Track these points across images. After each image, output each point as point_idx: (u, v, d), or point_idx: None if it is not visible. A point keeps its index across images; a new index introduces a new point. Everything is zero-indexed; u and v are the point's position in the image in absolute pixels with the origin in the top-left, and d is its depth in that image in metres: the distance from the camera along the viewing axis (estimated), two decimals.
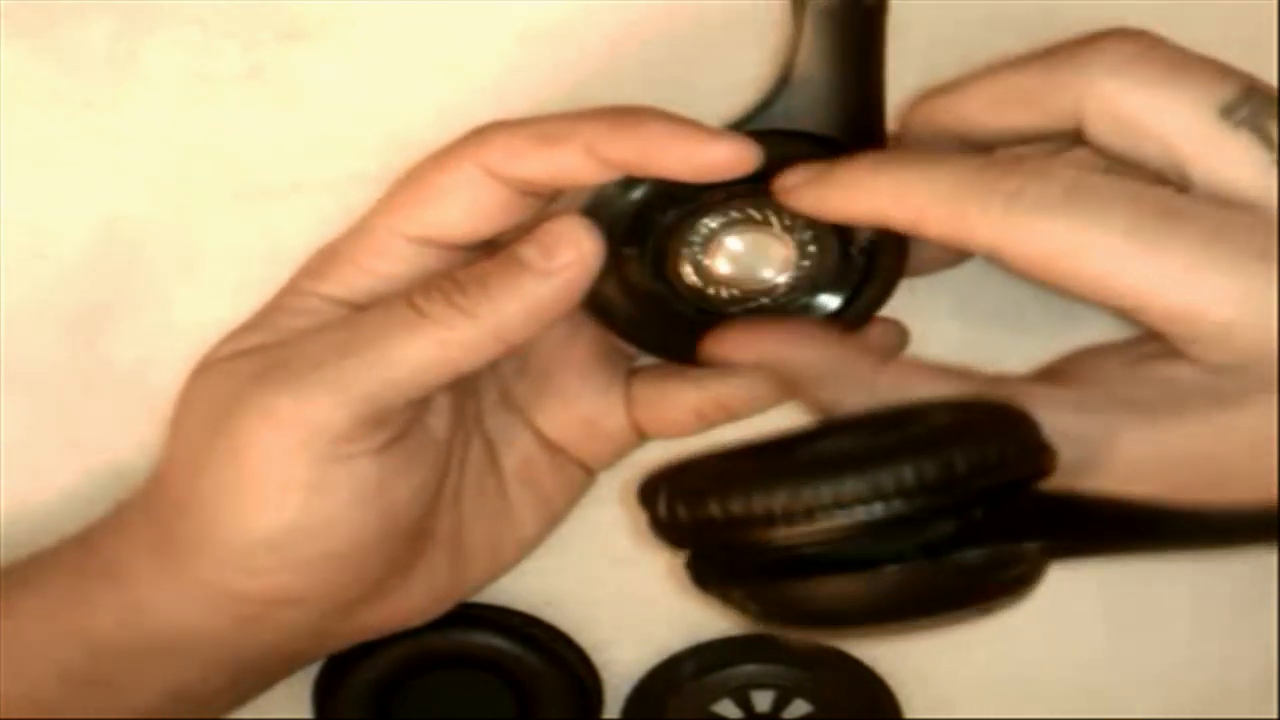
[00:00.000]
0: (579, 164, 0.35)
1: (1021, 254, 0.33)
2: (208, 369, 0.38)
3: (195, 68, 0.38)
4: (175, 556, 0.37)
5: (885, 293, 0.38)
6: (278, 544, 0.36)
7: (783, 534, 0.31)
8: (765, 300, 0.39)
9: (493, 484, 0.41)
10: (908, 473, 0.30)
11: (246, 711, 0.42)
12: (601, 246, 0.36)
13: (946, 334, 0.41)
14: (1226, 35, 0.34)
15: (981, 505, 0.32)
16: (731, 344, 0.38)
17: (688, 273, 0.38)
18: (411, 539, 0.39)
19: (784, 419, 0.38)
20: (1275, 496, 0.33)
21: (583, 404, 0.41)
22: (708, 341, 0.38)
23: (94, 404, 0.42)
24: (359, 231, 0.38)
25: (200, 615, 0.38)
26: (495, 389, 0.41)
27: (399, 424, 0.36)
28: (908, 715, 0.48)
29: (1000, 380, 0.36)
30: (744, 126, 0.36)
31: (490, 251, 0.37)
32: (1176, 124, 0.33)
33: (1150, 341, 0.34)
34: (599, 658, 0.47)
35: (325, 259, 0.38)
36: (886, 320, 0.39)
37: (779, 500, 0.31)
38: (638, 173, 0.35)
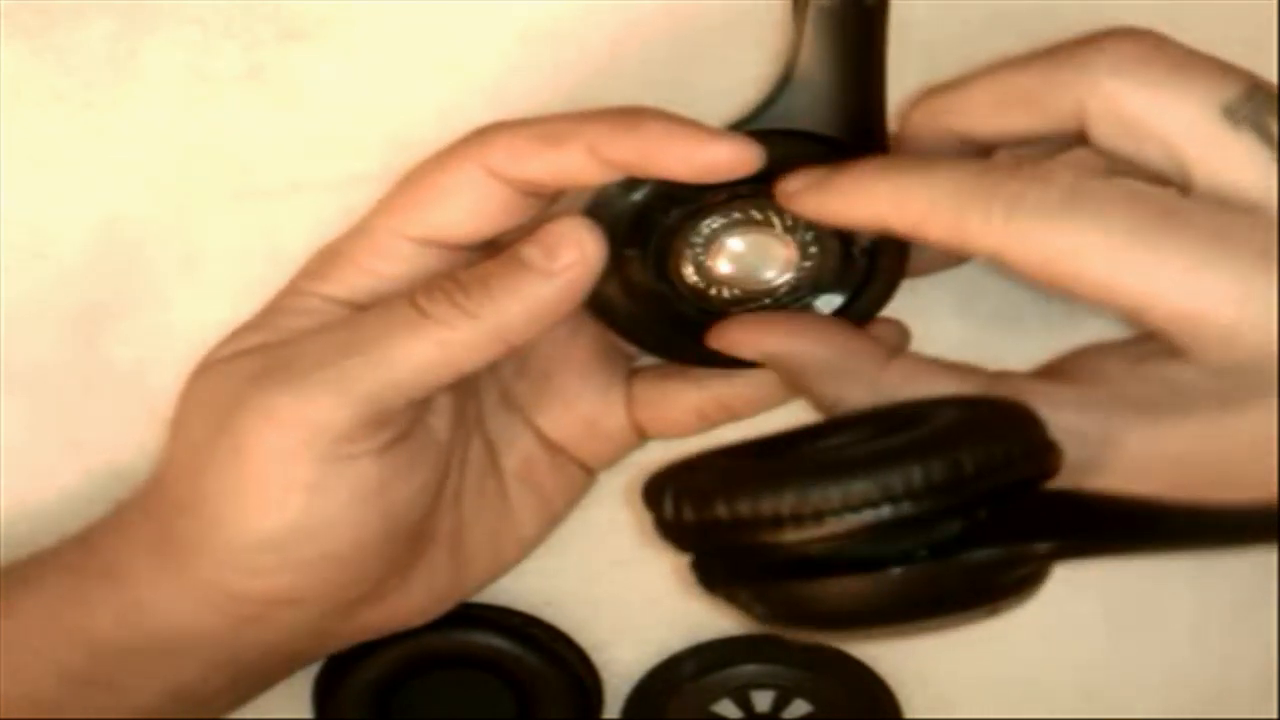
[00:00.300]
0: (581, 165, 0.35)
1: (1023, 259, 0.33)
2: (208, 369, 0.38)
3: (195, 68, 0.38)
4: (175, 556, 0.37)
5: (887, 293, 0.39)
6: (279, 544, 0.36)
7: (790, 536, 0.31)
8: (767, 301, 0.39)
9: (493, 484, 0.41)
10: (916, 474, 0.30)
11: (246, 711, 0.42)
12: (603, 247, 0.36)
13: (947, 334, 0.41)
14: (1226, 35, 0.34)
15: (988, 505, 0.32)
16: (737, 336, 0.38)
17: (689, 273, 0.38)
18: (412, 539, 0.39)
19: (785, 419, 0.38)
20: (1276, 496, 0.33)
21: (583, 404, 0.41)
22: (714, 332, 0.38)
23: (94, 404, 0.42)
24: (360, 232, 0.38)
25: (200, 615, 0.38)
26: (496, 389, 0.41)
27: (400, 424, 0.36)
28: (908, 715, 0.48)
29: (1004, 377, 0.36)
30: (745, 127, 0.36)
31: (491, 252, 0.37)
32: (1179, 124, 0.33)
33: (1152, 341, 0.34)
34: (599, 658, 0.47)
35: (326, 259, 0.38)
36: (887, 320, 0.39)
37: (787, 502, 0.31)
38: (639, 173, 0.35)
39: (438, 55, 0.39)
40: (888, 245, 0.38)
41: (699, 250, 0.38)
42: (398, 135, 0.38)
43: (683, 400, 0.40)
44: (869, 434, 0.33)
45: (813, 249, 0.38)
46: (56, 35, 0.38)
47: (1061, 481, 0.33)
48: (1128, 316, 0.33)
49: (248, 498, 0.36)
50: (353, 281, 0.37)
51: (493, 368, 0.38)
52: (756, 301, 0.39)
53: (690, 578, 0.35)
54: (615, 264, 0.37)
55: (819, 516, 0.31)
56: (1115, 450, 0.34)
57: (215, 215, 0.40)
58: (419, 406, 0.37)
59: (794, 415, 0.38)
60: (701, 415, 0.40)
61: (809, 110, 0.36)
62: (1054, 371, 0.36)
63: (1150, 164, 0.33)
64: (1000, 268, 0.34)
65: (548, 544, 0.43)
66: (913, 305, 0.39)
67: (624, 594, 0.46)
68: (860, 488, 0.31)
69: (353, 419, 0.35)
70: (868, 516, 0.31)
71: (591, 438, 0.41)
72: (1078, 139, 0.34)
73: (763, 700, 0.47)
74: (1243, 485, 0.33)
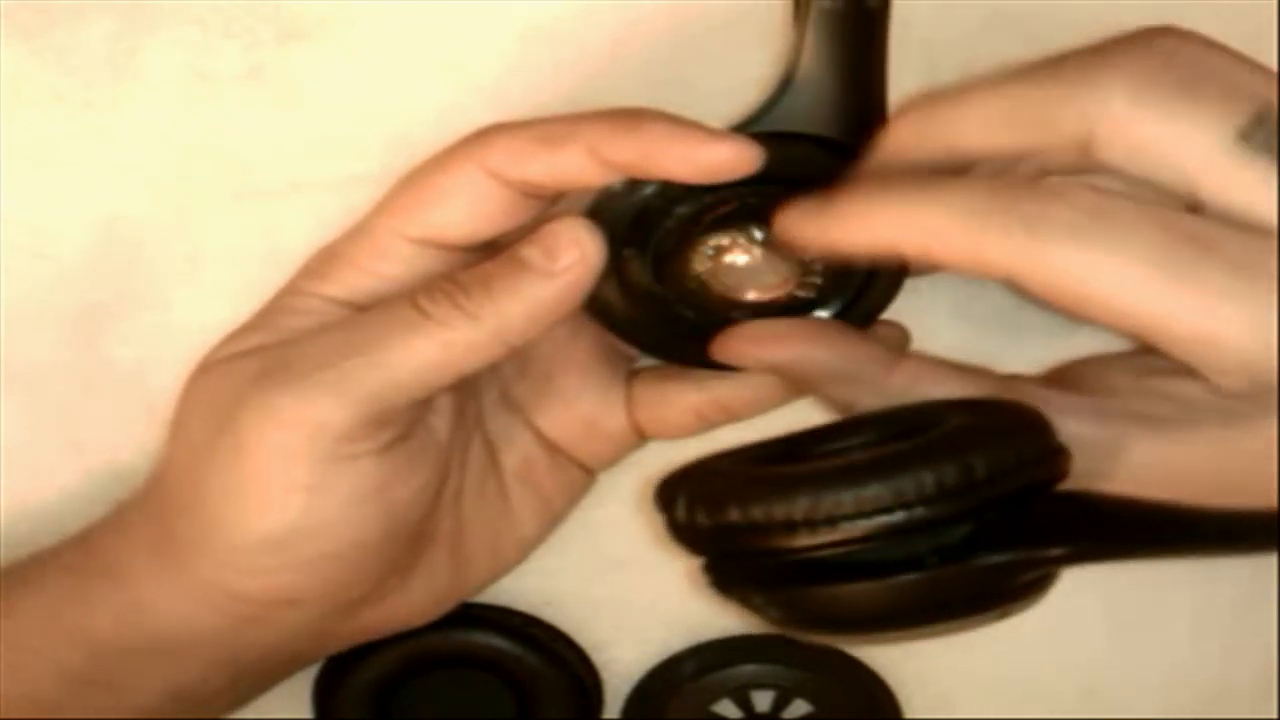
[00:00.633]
0: (581, 166, 0.35)
1: (1041, 279, 0.32)
2: (208, 369, 0.38)
3: (195, 68, 0.38)
4: (176, 556, 0.37)
5: (888, 296, 0.38)
6: (279, 544, 0.36)
7: (804, 540, 0.31)
8: (767, 302, 0.39)
9: (493, 484, 0.41)
10: (928, 478, 0.30)
11: (247, 711, 0.42)
12: (603, 248, 0.36)
13: (947, 335, 0.41)
14: (1227, 35, 0.34)
15: (1000, 509, 0.32)
16: (741, 349, 0.38)
17: (689, 274, 0.38)
18: (412, 539, 0.39)
19: (785, 418, 0.38)
20: (1276, 504, 0.33)
21: (583, 404, 0.41)
22: (718, 343, 0.38)
23: (94, 404, 0.42)
24: (360, 232, 0.38)
25: (200, 615, 0.38)
26: (496, 389, 0.41)
27: (401, 424, 0.36)
28: (908, 715, 0.48)
29: (1012, 381, 0.36)
30: (746, 128, 0.36)
31: (491, 253, 0.37)
32: (1193, 152, 0.32)
33: (1156, 355, 0.34)
34: (599, 658, 0.47)
35: (326, 260, 0.38)
36: (888, 322, 0.39)
37: (800, 507, 0.31)
38: (640, 174, 0.35)
39: (438, 55, 0.39)
40: None
41: (699, 252, 0.38)
42: (398, 135, 0.38)
43: (682, 401, 0.40)
44: (879, 437, 0.33)
45: None
46: (56, 35, 0.38)
47: (1065, 487, 0.33)
48: (1138, 336, 0.33)
49: (248, 498, 0.36)
50: (353, 282, 0.37)
51: (493, 368, 0.38)
52: (757, 303, 0.39)
53: (702, 580, 0.35)
54: (615, 265, 0.37)
55: (832, 521, 0.31)
56: (1119, 460, 0.34)
57: (215, 215, 0.40)
58: (419, 407, 0.37)
59: (794, 415, 0.38)
60: (701, 416, 0.40)
61: (810, 112, 0.36)
62: (1059, 379, 0.36)
63: (1159, 183, 0.33)
64: (1012, 286, 0.33)
65: (548, 544, 0.43)
66: (913, 306, 0.39)
67: (624, 594, 0.46)
68: (873, 493, 0.31)
69: (353, 419, 0.35)
70: (880, 521, 0.31)
71: (591, 438, 0.41)
72: (1078, 157, 0.33)
73: (763, 700, 0.47)
74: (1244, 494, 0.33)
